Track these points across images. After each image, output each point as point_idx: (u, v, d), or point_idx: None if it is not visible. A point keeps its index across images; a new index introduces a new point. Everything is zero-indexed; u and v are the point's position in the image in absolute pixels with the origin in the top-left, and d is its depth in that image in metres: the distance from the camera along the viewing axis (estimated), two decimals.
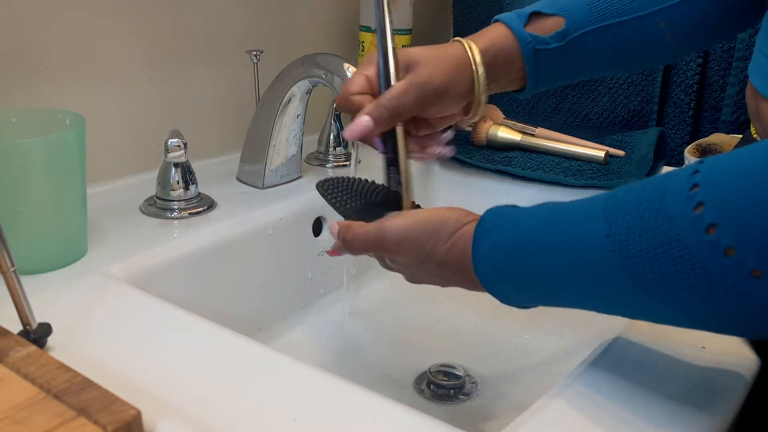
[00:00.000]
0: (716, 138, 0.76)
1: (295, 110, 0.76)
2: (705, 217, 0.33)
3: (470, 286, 0.47)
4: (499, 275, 0.44)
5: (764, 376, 0.47)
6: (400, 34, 0.92)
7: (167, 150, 0.67)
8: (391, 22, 0.54)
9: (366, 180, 0.58)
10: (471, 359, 0.68)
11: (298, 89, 0.74)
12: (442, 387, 0.64)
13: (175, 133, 0.68)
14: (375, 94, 0.54)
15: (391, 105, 0.52)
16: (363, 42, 0.93)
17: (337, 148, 0.87)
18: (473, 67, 0.55)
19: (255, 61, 0.80)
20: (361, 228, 0.51)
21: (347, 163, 0.87)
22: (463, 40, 0.56)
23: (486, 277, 0.45)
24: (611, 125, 0.99)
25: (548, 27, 0.57)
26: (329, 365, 0.69)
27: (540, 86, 0.59)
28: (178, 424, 0.39)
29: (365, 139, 0.54)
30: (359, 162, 0.71)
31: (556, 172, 0.81)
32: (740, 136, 0.75)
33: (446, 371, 0.66)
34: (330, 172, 0.85)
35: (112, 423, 0.34)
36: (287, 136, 0.77)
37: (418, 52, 0.55)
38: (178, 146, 0.67)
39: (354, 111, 0.54)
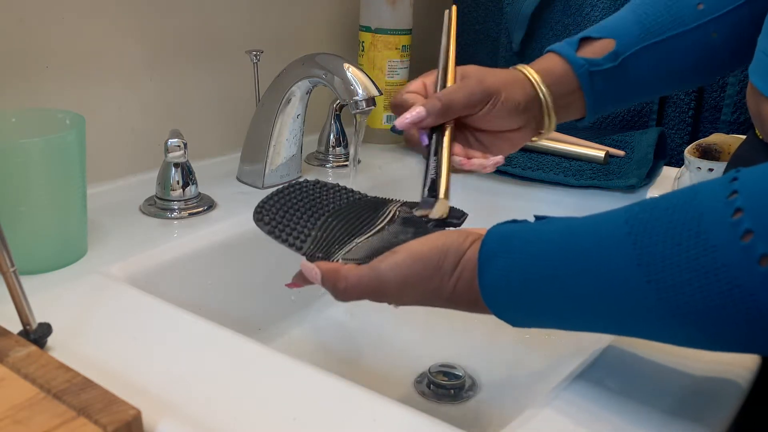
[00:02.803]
0: (716, 138, 0.76)
1: (295, 110, 0.76)
2: (756, 248, 0.31)
3: (478, 311, 0.44)
4: (512, 303, 0.41)
5: (765, 375, 0.47)
6: (400, 34, 0.92)
7: (167, 150, 0.67)
8: (456, 34, 0.58)
9: (306, 181, 0.54)
10: (471, 359, 0.68)
11: (298, 89, 0.74)
12: (442, 387, 0.64)
13: (175, 133, 0.68)
14: (428, 96, 0.56)
15: (444, 97, 0.53)
16: (363, 42, 0.93)
17: (336, 148, 0.87)
18: (535, 85, 0.57)
19: (255, 61, 0.80)
20: (353, 273, 0.45)
21: (347, 163, 0.86)
22: (519, 66, 0.58)
23: (496, 305, 0.42)
24: (611, 125, 0.99)
25: (599, 49, 0.57)
26: (329, 365, 0.68)
27: (599, 110, 0.59)
28: (178, 424, 0.39)
29: (412, 137, 0.55)
30: (359, 162, 0.71)
31: (556, 172, 0.81)
32: (740, 136, 0.75)
33: (446, 371, 0.66)
34: (330, 172, 0.85)
35: (112, 423, 0.34)
36: (287, 136, 0.77)
37: (474, 67, 0.57)
38: (178, 146, 0.67)
39: (405, 108, 0.55)
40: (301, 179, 0.56)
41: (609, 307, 0.37)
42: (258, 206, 0.53)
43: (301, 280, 0.50)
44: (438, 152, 0.53)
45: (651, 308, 0.35)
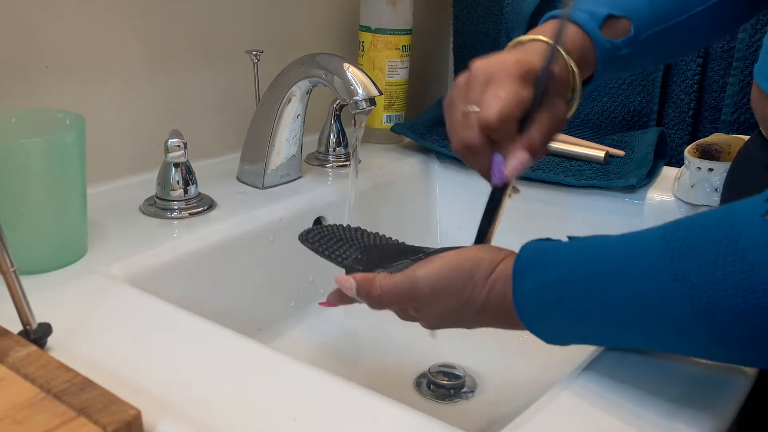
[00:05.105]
0: (716, 138, 0.76)
1: (295, 110, 0.76)
2: None
3: (508, 326, 0.44)
4: (546, 318, 0.41)
5: (767, 373, 0.47)
6: (400, 34, 0.92)
7: (167, 150, 0.67)
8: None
9: (348, 226, 0.56)
10: (471, 359, 0.68)
11: (298, 89, 0.74)
12: (442, 387, 0.64)
13: (175, 133, 0.68)
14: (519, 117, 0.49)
15: (543, 151, 0.49)
16: (363, 42, 0.93)
17: (337, 149, 0.87)
18: (572, 79, 0.52)
19: (255, 61, 0.80)
20: (388, 280, 0.45)
21: (347, 163, 0.86)
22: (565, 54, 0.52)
23: (530, 319, 0.42)
24: (611, 125, 0.99)
25: (619, 31, 0.54)
26: (329, 365, 0.69)
27: (594, 85, 0.57)
28: (178, 424, 0.39)
29: (481, 161, 0.50)
30: (359, 162, 0.71)
31: (556, 172, 0.81)
32: (740, 136, 0.75)
33: (446, 371, 0.66)
34: (330, 172, 0.85)
35: (112, 423, 0.34)
36: (287, 136, 0.77)
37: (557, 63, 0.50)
38: (178, 146, 0.67)
39: (500, 138, 0.48)
40: (345, 224, 0.57)
41: (643, 322, 0.37)
42: (303, 232, 0.55)
43: (335, 299, 0.50)
44: (500, 201, 0.51)
45: (689, 324, 0.35)
